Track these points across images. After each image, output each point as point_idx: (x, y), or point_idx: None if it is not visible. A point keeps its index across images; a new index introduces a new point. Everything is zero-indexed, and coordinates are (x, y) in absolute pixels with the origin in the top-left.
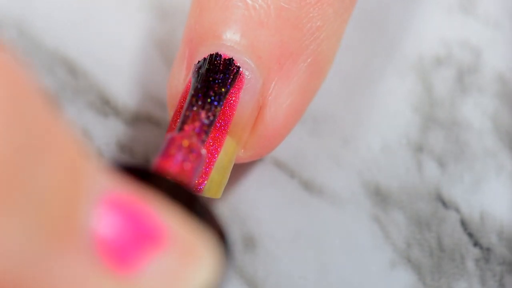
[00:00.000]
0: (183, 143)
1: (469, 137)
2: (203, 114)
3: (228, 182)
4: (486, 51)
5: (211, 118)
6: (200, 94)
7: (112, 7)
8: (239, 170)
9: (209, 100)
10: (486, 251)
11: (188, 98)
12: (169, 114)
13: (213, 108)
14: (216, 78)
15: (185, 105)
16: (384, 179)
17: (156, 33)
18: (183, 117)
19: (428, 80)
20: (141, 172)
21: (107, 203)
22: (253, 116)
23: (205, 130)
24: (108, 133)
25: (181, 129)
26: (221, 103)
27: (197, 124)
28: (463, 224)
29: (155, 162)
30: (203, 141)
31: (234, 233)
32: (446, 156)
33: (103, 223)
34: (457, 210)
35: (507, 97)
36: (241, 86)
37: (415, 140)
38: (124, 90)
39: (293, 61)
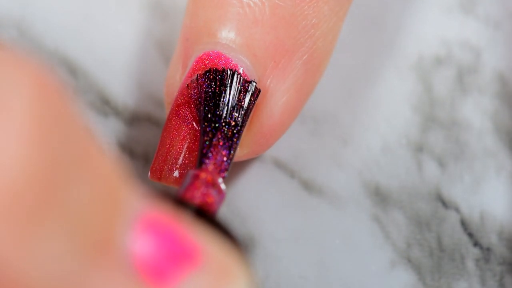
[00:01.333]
0: (206, 178)
1: (469, 137)
2: (224, 152)
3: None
4: (486, 51)
5: (232, 155)
6: (221, 136)
7: (112, 7)
8: (239, 170)
9: (229, 141)
10: (486, 251)
11: (207, 132)
12: (166, 112)
13: (233, 146)
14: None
15: (205, 138)
16: (384, 179)
17: (156, 33)
18: (205, 150)
19: (428, 80)
20: (169, 198)
21: (143, 224)
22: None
23: (226, 168)
24: (108, 133)
25: (202, 163)
26: (238, 141)
27: (219, 160)
28: (463, 224)
29: (179, 194)
30: (224, 177)
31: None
32: (446, 156)
33: (140, 242)
34: (457, 210)
35: (507, 97)
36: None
37: (415, 140)
38: (124, 90)
39: (288, 58)
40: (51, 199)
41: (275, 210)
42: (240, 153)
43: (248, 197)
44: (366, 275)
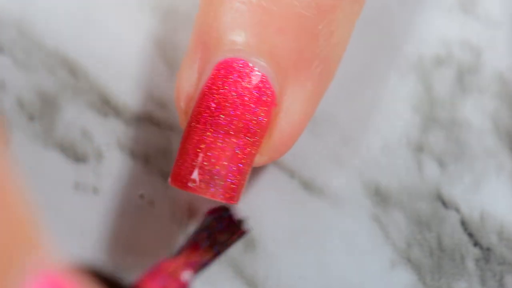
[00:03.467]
0: (169, 270)
1: (469, 137)
2: (204, 254)
3: None
4: (486, 51)
5: (209, 261)
6: (208, 240)
7: (112, 7)
8: None
9: (213, 248)
10: (486, 251)
11: (197, 232)
12: (180, 117)
13: (214, 254)
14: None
15: (193, 234)
16: (384, 179)
17: (156, 33)
18: (187, 243)
19: (428, 80)
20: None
21: (40, 279)
22: (270, 123)
23: (198, 269)
24: (108, 133)
25: (179, 253)
26: (221, 253)
27: (194, 259)
28: (463, 224)
29: (139, 278)
30: (190, 275)
31: None
32: (446, 156)
33: None
34: (457, 210)
35: (507, 97)
36: (271, 104)
37: (415, 140)
38: (124, 90)
39: (307, 67)
40: None
41: (275, 210)
42: (259, 160)
43: (248, 197)
44: (366, 275)
